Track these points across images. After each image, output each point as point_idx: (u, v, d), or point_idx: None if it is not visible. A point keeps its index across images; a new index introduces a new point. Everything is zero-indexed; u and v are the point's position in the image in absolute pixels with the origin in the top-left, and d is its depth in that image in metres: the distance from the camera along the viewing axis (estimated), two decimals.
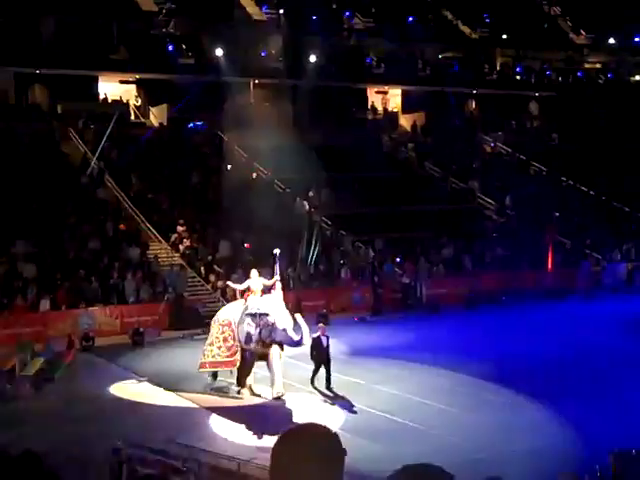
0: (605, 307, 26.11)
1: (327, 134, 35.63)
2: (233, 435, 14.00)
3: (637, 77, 48.57)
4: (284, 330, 15.71)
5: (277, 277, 16.63)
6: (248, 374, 16.41)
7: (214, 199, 30.76)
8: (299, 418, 14.27)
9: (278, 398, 15.72)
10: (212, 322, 17.10)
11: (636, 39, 47.31)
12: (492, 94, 43.31)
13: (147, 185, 30.85)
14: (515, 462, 11.15)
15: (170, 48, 36.27)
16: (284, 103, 34.03)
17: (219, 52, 35.49)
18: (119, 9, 35.17)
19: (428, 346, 20.56)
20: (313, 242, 27.48)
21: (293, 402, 15.64)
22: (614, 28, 46.24)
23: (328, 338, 16.67)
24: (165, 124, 36.25)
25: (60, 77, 33.92)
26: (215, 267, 27.06)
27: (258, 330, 15.88)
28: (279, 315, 15.94)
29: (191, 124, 36.52)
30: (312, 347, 16.21)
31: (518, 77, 45.76)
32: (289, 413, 14.85)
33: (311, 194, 32.68)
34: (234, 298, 24.31)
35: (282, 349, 16.20)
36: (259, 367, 16.57)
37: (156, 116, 37.18)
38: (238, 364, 16.23)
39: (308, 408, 15.31)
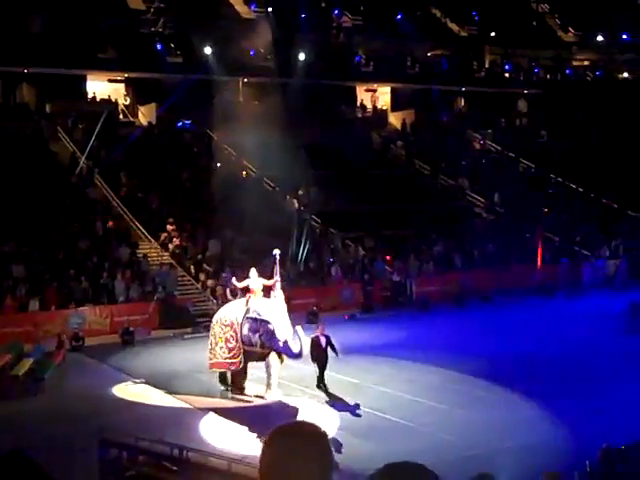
0: (593, 304, 26.20)
1: (316, 132, 35.65)
2: (224, 434, 13.98)
3: (625, 74, 48.77)
4: (284, 342, 15.33)
5: (277, 277, 16.26)
6: (244, 377, 16.20)
7: (203, 198, 30.73)
8: (291, 417, 14.25)
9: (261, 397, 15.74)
10: (213, 322, 16.77)
11: (624, 36, 47.49)
12: (481, 92, 43.45)
13: (136, 184, 30.78)
14: (506, 459, 11.17)
15: (159, 47, 36.20)
16: (273, 101, 33.99)
17: (208, 51, 35.47)
18: (107, 8, 35.06)
19: (418, 344, 20.58)
20: (303, 240, 27.49)
21: (285, 402, 15.61)
22: (602, 26, 46.44)
23: (328, 338, 16.23)
24: (154, 123, 36.17)
25: (48, 76, 33.81)
26: (205, 266, 27.03)
27: (257, 335, 15.60)
28: (280, 324, 15.49)
29: (180, 123, 36.45)
30: (311, 348, 15.72)
31: (507, 75, 45.91)
32: (281, 412, 14.82)
33: (300, 192, 32.69)
34: (223, 297, 24.46)
35: (282, 360, 15.90)
36: (257, 368, 16.44)
37: (145, 115, 37.09)
38: (241, 366, 15.94)
39: (299, 407, 15.30)
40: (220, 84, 35.34)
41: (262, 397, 15.83)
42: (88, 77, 36.92)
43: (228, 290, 24.55)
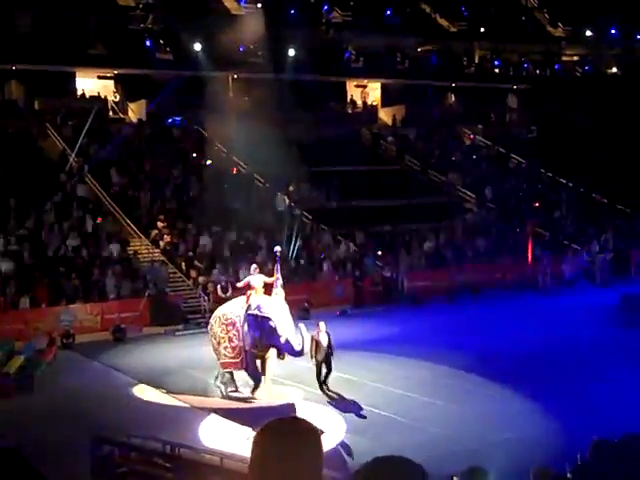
0: (583, 298, 26.30)
1: (306, 128, 35.61)
2: (216, 431, 13.98)
3: (614, 69, 48.90)
4: (286, 339, 15.05)
5: (279, 275, 15.94)
6: (263, 374, 15.80)
7: (194, 194, 30.69)
8: (284, 415, 14.25)
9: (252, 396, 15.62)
10: (212, 321, 16.40)
11: (613, 31, 47.60)
12: (471, 87, 43.48)
13: (126, 181, 30.70)
14: (498, 452, 11.20)
15: (148, 43, 36.10)
16: (263, 97, 33.94)
17: (197, 47, 35.38)
18: (96, 4, 34.90)
19: (410, 339, 20.62)
20: (294, 236, 27.49)
21: (278, 398, 15.57)
22: (591, 20, 46.52)
23: (329, 335, 16.00)
24: (144, 119, 36.06)
25: (37, 73, 33.62)
26: (196, 262, 27.00)
27: (258, 333, 15.32)
28: (281, 321, 15.20)
29: (170, 119, 36.35)
30: (313, 347, 15.54)
31: (496, 70, 45.96)
32: (275, 409, 14.81)
33: (291, 188, 32.68)
34: (214, 294, 24.43)
35: (283, 357, 15.68)
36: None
37: (135, 111, 36.97)
38: (244, 365, 15.71)
39: (293, 404, 15.27)
40: (210, 80, 35.25)
41: (252, 395, 15.66)
42: (77, 74, 36.76)
43: (219, 287, 24.53)
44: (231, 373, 16.10)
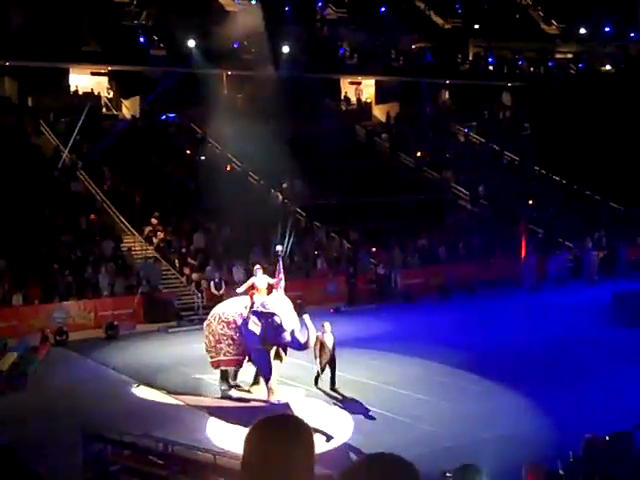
0: (577, 295, 26.38)
1: (300, 125, 35.59)
2: (210, 428, 13.97)
3: (608, 67, 48.98)
4: (291, 332, 14.91)
5: (281, 276, 15.76)
6: (269, 376, 15.43)
7: (188, 191, 30.65)
8: (278, 412, 14.26)
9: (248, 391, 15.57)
10: (210, 319, 16.02)
11: (606, 29, 47.67)
12: (465, 84, 43.53)
13: (120, 178, 30.65)
14: (491, 449, 11.22)
15: (142, 39, 36.03)
16: (257, 94, 33.91)
17: (191, 43, 35.32)
18: (90, 0, 34.82)
19: (403, 336, 20.64)
20: (287, 233, 27.46)
21: (273, 397, 15.51)
22: (585, 18, 46.58)
23: (334, 336, 15.85)
24: (137, 116, 36.02)
25: (30, 69, 33.56)
26: (189, 259, 26.98)
27: (263, 330, 15.07)
28: (286, 316, 15.03)
29: (164, 116, 36.32)
30: (315, 346, 15.39)
31: (490, 67, 46.01)
32: (269, 408, 14.80)
33: (285, 185, 32.67)
34: (208, 291, 24.43)
35: (285, 353, 15.55)
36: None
37: (128, 108, 36.93)
38: (245, 364, 15.60)
39: (287, 401, 15.27)
40: (204, 77, 35.20)
41: (268, 393, 15.36)
42: (71, 70, 36.70)
43: (212, 284, 24.52)
44: (224, 371, 15.94)
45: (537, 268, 29.87)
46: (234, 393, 15.84)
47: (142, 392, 16.53)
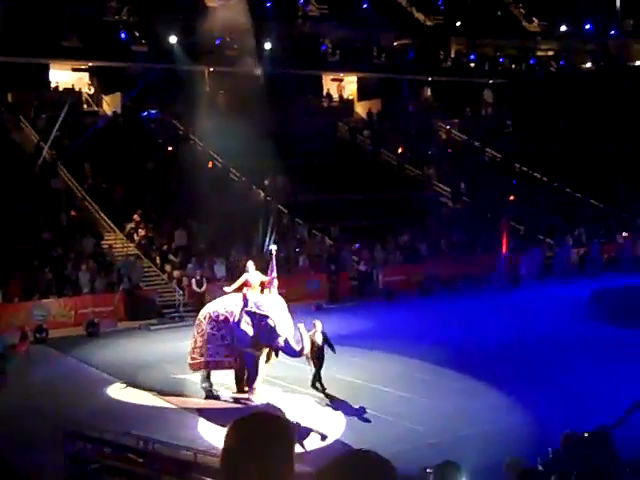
0: (557, 292, 26.53)
1: (283, 122, 35.54)
2: (191, 427, 13.93)
3: (588, 64, 49.25)
4: (285, 340, 14.48)
5: (274, 275, 15.57)
6: (255, 378, 15.16)
7: (169, 188, 30.55)
8: (258, 410, 14.23)
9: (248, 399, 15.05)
10: (201, 318, 15.65)
11: (587, 27, 47.94)
12: (447, 81, 43.62)
13: (101, 174, 30.49)
14: (472, 446, 11.27)
15: (123, 35, 35.84)
16: (239, 91, 33.82)
17: (173, 39, 35.17)
18: None
19: (385, 333, 20.67)
20: (269, 230, 27.44)
21: (255, 396, 15.45)
22: (565, 16, 46.82)
23: (324, 335, 15.59)
24: (119, 112, 35.83)
25: (10, 65, 33.24)
26: (170, 257, 26.89)
27: (255, 331, 14.74)
28: (280, 320, 14.64)
29: (145, 112, 36.14)
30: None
31: (472, 64, 46.14)
32: (251, 407, 14.75)
33: (267, 182, 32.63)
34: (189, 288, 24.38)
35: (277, 355, 15.21)
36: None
37: (109, 104, 36.73)
38: (234, 365, 15.28)
39: (268, 399, 15.25)
40: (186, 73, 35.07)
41: (249, 396, 15.12)
42: (51, 66, 36.48)
43: (194, 281, 24.47)
44: (208, 373, 15.68)
45: (512, 265, 29.91)
46: (216, 392, 15.74)
47: (123, 390, 16.46)
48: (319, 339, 15.53)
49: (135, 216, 28.09)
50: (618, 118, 39.65)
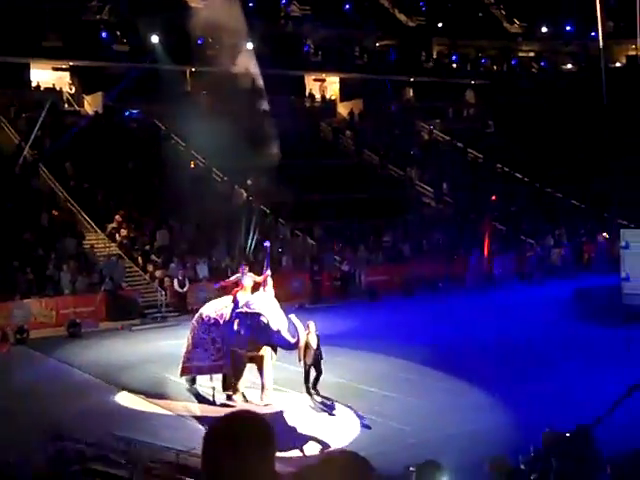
0: (538, 292, 26.68)
1: (265, 122, 35.45)
2: (175, 427, 13.87)
3: (569, 66, 49.56)
4: (278, 331, 14.30)
5: (268, 272, 15.48)
6: (239, 378, 15.12)
7: (151, 188, 30.42)
8: (240, 411, 14.17)
9: (267, 405, 14.48)
10: (194, 321, 15.65)
11: (568, 28, 48.25)
12: (429, 82, 43.76)
13: (82, 174, 30.31)
14: (454, 445, 11.31)
15: (104, 35, 35.67)
16: (221, 90, 33.70)
17: (154, 39, 35.03)
18: None
19: (368, 333, 20.68)
20: (252, 231, 27.39)
21: (239, 397, 15.38)
22: (546, 17, 47.12)
23: (319, 337, 15.47)
24: (100, 112, 35.64)
25: None
26: (152, 257, 26.78)
27: (249, 331, 14.59)
28: (272, 315, 14.52)
29: (127, 112, 35.98)
30: (299, 348, 14.75)
31: (454, 65, 46.32)
32: (233, 407, 14.72)
33: (249, 182, 32.57)
34: (171, 288, 24.31)
35: (275, 352, 15.07)
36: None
37: (91, 104, 36.53)
38: (226, 369, 15.07)
39: (253, 401, 15.19)
40: (167, 73, 34.94)
41: (258, 401, 14.80)
42: (32, 65, 36.21)
43: (176, 281, 24.40)
44: (194, 378, 15.61)
45: (489, 266, 29.97)
46: (201, 392, 15.69)
47: (105, 391, 16.37)
48: (313, 341, 15.29)
49: (117, 216, 27.97)
50: (598, 118, 39.86)
